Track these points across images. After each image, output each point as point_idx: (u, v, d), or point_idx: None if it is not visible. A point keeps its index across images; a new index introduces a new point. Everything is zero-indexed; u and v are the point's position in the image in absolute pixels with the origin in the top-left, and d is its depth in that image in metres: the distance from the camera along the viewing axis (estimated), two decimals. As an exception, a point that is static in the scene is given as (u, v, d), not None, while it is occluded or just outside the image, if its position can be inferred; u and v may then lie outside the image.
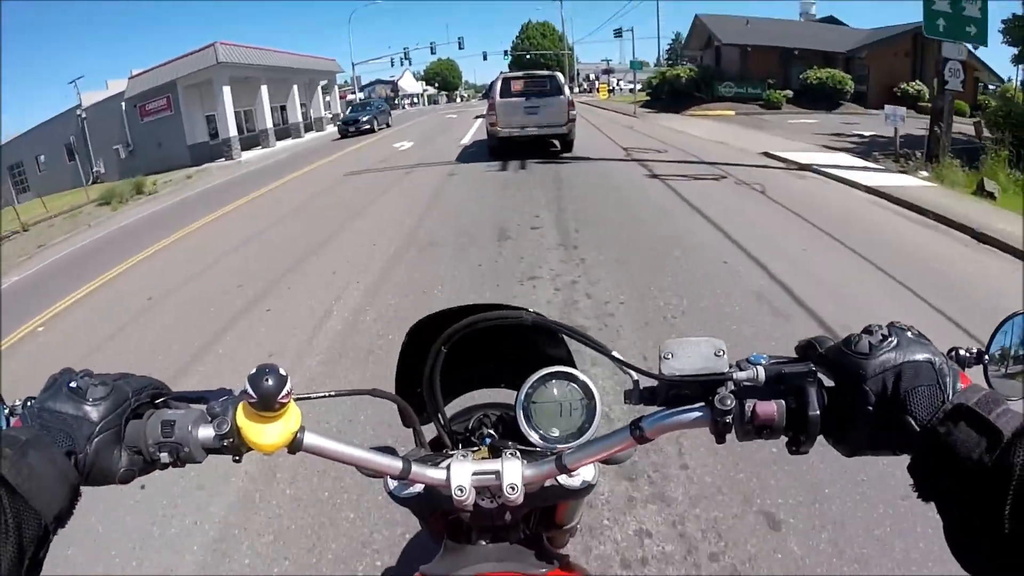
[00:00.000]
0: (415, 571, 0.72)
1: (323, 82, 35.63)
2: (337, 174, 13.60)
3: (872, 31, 26.97)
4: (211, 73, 23.63)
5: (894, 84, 24.23)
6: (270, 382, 0.54)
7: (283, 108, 30.18)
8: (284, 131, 29.25)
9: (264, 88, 26.41)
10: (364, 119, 26.84)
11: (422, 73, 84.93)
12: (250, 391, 0.54)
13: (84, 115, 28.89)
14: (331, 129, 33.68)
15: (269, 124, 26.17)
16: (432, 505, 0.72)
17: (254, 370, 0.55)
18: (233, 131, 24.12)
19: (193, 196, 14.72)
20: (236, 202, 11.72)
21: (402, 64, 56.49)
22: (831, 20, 32.15)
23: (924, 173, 9.26)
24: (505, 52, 64.72)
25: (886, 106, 11.63)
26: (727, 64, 26.03)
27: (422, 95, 77.68)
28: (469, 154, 14.85)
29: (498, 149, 12.81)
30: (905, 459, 0.49)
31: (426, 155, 15.28)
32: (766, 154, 11.59)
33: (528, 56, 69.25)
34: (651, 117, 22.58)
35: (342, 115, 36.44)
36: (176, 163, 23.89)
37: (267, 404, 0.55)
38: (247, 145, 25.13)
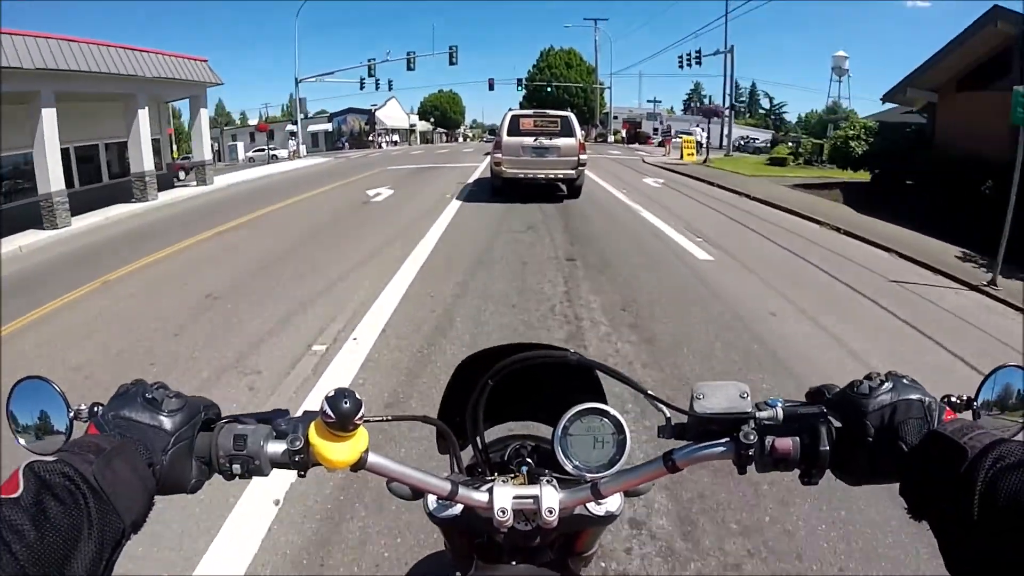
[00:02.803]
0: None
1: (160, 102, 18.75)
2: None
3: None
4: None
5: None
6: (347, 404, 0.58)
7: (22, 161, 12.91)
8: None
9: None
10: None
11: (416, 107, 69.37)
12: (328, 411, 0.58)
13: None
14: (167, 199, 16.52)
15: None
16: (467, 526, 0.76)
17: (332, 392, 0.58)
18: None
19: None
20: None
21: (376, 86, 40.07)
22: None
23: None
24: (519, 82, 48.65)
25: None
26: None
27: (410, 131, 61.39)
28: None
29: (502, 190, 11.86)
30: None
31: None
32: None
33: (548, 89, 53.64)
34: None
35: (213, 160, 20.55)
36: None
37: (343, 425, 0.58)
38: None
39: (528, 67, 58.06)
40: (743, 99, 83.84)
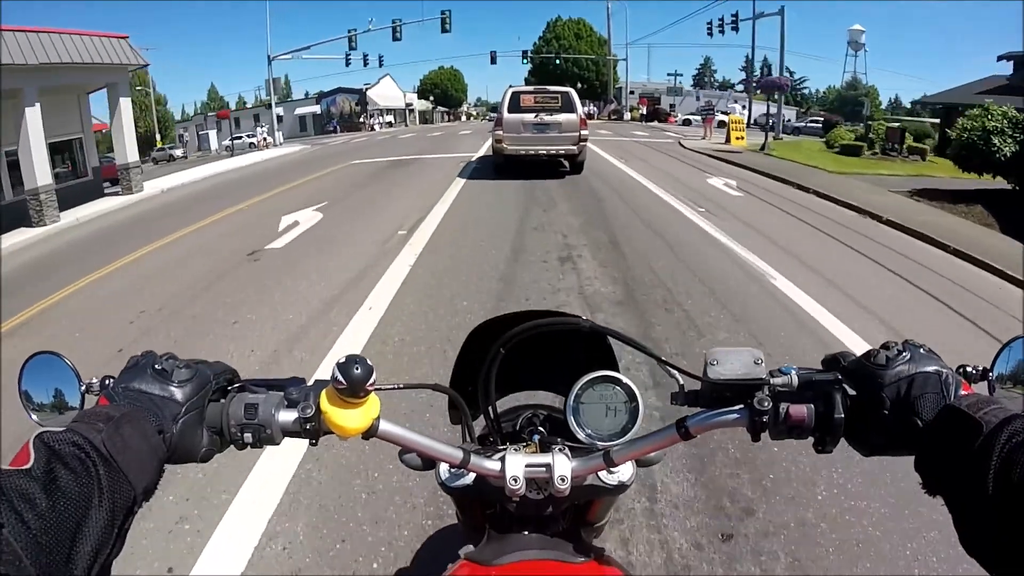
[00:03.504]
0: (448, 558, 0.77)
1: (80, 93, 14.48)
2: None
3: None
4: None
5: None
6: (359, 371, 0.57)
7: None
8: None
9: None
10: None
11: (417, 86, 64.50)
12: (340, 378, 0.57)
13: None
14: (71, 219, 12.57)
15: None
16: (479, 495, 0.76)
17: (343, 359, 0.57)
18: None
19: None
20: None
21: (365, 62, 35.46)
22: None
23: None
24: (524, 54, 43.91)
25: None
26: None
27: (407, 111, 56.63)
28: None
29: (504, 167, 11.44)
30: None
31: None
32: None
33: (557, 61, 48.62)
34: None
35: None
36: None
37: (354, 391, 0.57)
38: None
39: (534, 39, 53.16)
40: (755, 73, 77.03)
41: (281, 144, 30.18)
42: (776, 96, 20.30)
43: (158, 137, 44.99)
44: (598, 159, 14.66)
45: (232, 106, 64.91)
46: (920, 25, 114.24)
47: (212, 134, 38.51)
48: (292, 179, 13.84)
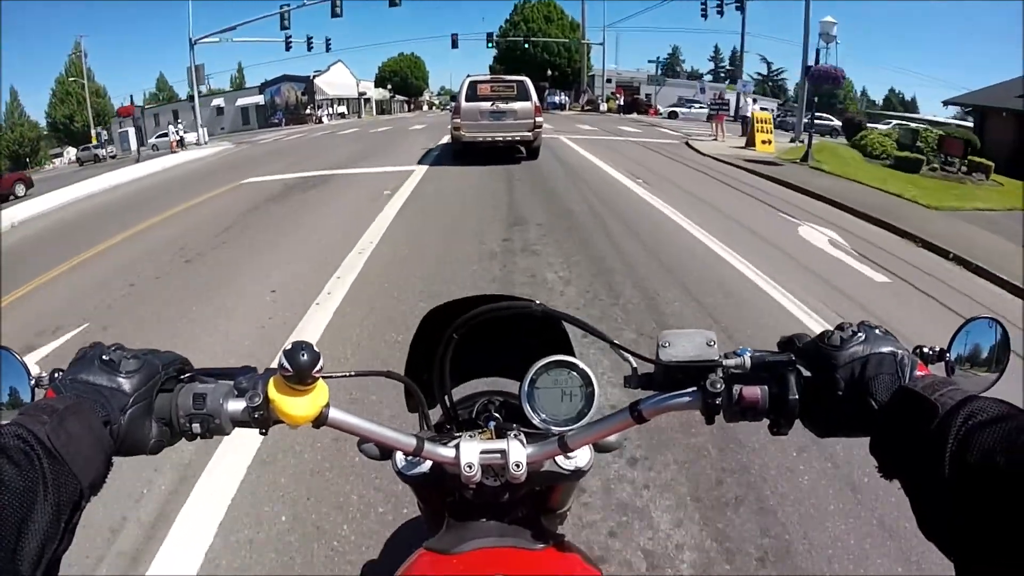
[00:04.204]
0: (414, 548, 0.75)
1: None
2: None
3: None
4: None
5: None
6: (305, 357, 0.56)
7: None
8: None
9: None
10: None
11: (377, 73, 59.42)
12: (286, 365, 0.55)
13: None
14: None
15: None
16: (437, 483, 0.75)
17: (289, 345, 0.56)
18: None
19: None
20: None
21: (309, 46, 30.63)
22: None
23: None
24: (489, 38, 39.64)
25: None
26: None
27: (361, 101, 51.56)
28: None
29: (462, 154, 11.98)
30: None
31: None
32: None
33: (525, 46, 44.54)
34: None
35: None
36: None
37: (301, 378, 0.56)
38: None
39: (500, 22, 48.87)
40: (723, 63, 73.57)
41: (206, 143, 25.35)
42: (823, 90, 16.62)
43: (93, 133, 39.65)
44: (600, 176, 10.72)
45: (182, 96, 58.43)
46: (883, 19, 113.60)
47: (131, 132, 32.85)
48: (129, 224, 8.67)
